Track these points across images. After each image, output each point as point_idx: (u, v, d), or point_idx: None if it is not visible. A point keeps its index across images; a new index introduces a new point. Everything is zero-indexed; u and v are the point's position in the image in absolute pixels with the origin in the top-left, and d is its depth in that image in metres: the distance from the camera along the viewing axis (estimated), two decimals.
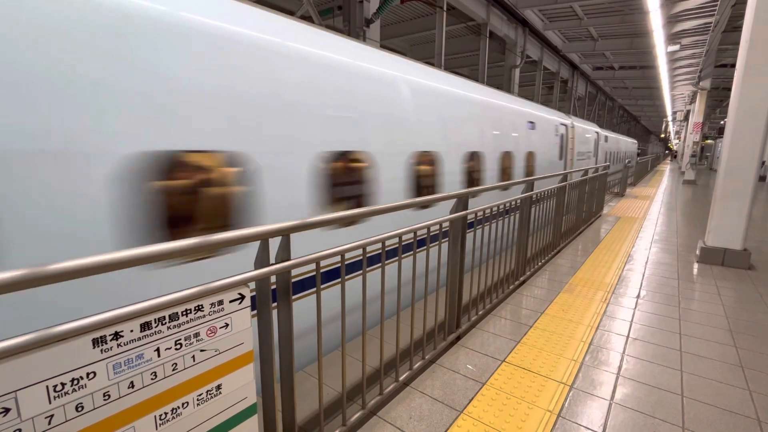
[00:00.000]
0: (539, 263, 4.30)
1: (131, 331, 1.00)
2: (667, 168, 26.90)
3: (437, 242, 2.32)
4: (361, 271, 1.80)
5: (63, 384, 0.89)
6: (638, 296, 3.61)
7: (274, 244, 1.42)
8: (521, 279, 3.81)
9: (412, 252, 2.16)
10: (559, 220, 4.81)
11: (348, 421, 1.80)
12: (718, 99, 22.17)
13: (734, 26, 10.06)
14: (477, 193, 2.67)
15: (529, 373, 2.35)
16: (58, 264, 0.87)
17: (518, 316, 3.16)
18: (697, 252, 4.81)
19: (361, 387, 1.90)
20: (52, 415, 0.88)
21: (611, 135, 15.19)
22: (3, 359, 0.80)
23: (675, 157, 43.39)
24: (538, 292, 3.67)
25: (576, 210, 5.74)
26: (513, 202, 3.21)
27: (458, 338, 2.75)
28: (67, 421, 0.91)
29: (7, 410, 0.81)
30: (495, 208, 2.84)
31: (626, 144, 19.21)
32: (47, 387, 0.87)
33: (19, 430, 0.83)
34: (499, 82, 13.44)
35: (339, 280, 1.70)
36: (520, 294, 3.62)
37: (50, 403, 0.87)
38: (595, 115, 24.01)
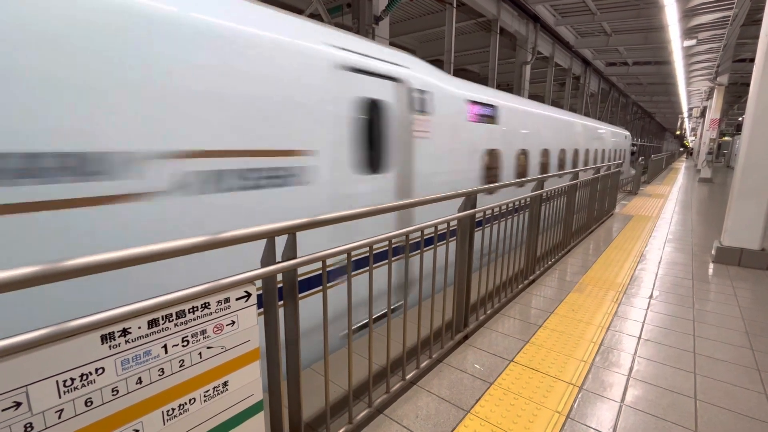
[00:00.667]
0: (549, 262, 4.25)
1: (139, 327, 1.01)
2: (682, 166, 26.34)
3: (444, 241, 2.31)
4: (367, 268, 1.80)
5: (72, 379, 0.91)
6: (651, 296, 3.54)
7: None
8: (531, 278, 3.77)
9: (419, 251, 2.15)
10: (569, 218, 4.74)
11: (354, 419, 1.81)
12: (736, 95, 21.57)
13: (753, 20, 9.76)
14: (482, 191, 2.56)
15: (538, 374, 2.33)
16: (70, 260, 0.89)
17: (527, 315, 3.13)
18: (713, 252, 4.71)
19: (367, 385, 1.90)
20: (62, 410, 0.90)
21: (556, 116, 7.30)
22: (14, 354, 0.81)
23: (690, 154, 42.48)
24: (547, 292, 3.62)
25: (587, 208, 5.65)
26: (522, 201, 3.17)
27: (466, 337, 2.73)
28: (76, 415, 0.92)
29: (18, 404, 0.83)
30: (503, 207, 2.81)
31: (604, 138, 10.95)
32: (57, 382, 0.88)
33: (30, 423, 0.85)
34: (510, 79, 13.30)
35: (345, 277, 1.70)
36: (530, 293, 3.58)
37: (60, 397, 0.89)
38: (608, 112, 23.58)
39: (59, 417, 0.90)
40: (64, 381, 0.89)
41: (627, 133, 14.65)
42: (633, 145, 19.08)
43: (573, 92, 18.16)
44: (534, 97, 11.46)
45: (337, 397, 2.11)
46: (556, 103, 15.76)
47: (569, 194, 4.55)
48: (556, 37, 13.68)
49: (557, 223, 4.32)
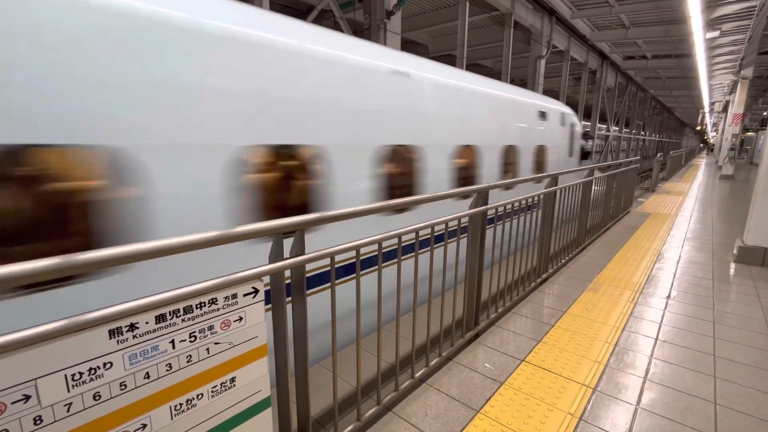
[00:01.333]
0: (563, 260, 4.17)
1: (146, 322, 1.01)
2: (702, 162, 25.59)
3: (455, 238, 2.27)
4: (376, 267, 1.78)
5: (81, 373, 0.91)
6: (668, 296, 3.45)
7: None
8: (543, 276, 3.70)
9: (429, 248, 2.12)
10: (584, 215, 4.64)
11: (362, 416, 1.80)
12: (761, 88, 20.80)
13: None
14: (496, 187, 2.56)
15: (550, 374, 2.28)
16: (85, 254, 0.91)
17: (539, 314, 3.07)
18: (735, 251, 4.55)
19: (376, 382, 1.89)
20: (70, 403, 0.90)
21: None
22: (22, 348, 0.82)
23: (711, 150, 41.25)
24: (560, 290, 3.56)
25: (602, 206, 5.52)
26: (535, 198, 3.10)
27: (476, 336, 2.70)
28: (85, 409, 0.93)
29: (27, 397, 0.84)
30: (516, 204, 2.76)
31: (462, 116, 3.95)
32: (66, 376, 0.89)
33: (39, 416, 0.86)
34: (524, 74, 13.07)
35: (354, 275, 1.69)
36: (542, 292, 3.52)
37: (69, 391, 0.90)
38: (625, 107, 23.02)
39: (68, 410, 0.90)
40: (73, 375, 0.90)
41: (567, 110, 6.74)
42: (587, 134, 9.70)
43: (589, 87, 17.76)
44: (548, 92, 11.19)
45: (346, 394, 2.10)
46: (571, 99, 15.44)
47: (584, 191, 4.45)
48: (571, 30, 13.39)
49: (571, 221, 4.23)
